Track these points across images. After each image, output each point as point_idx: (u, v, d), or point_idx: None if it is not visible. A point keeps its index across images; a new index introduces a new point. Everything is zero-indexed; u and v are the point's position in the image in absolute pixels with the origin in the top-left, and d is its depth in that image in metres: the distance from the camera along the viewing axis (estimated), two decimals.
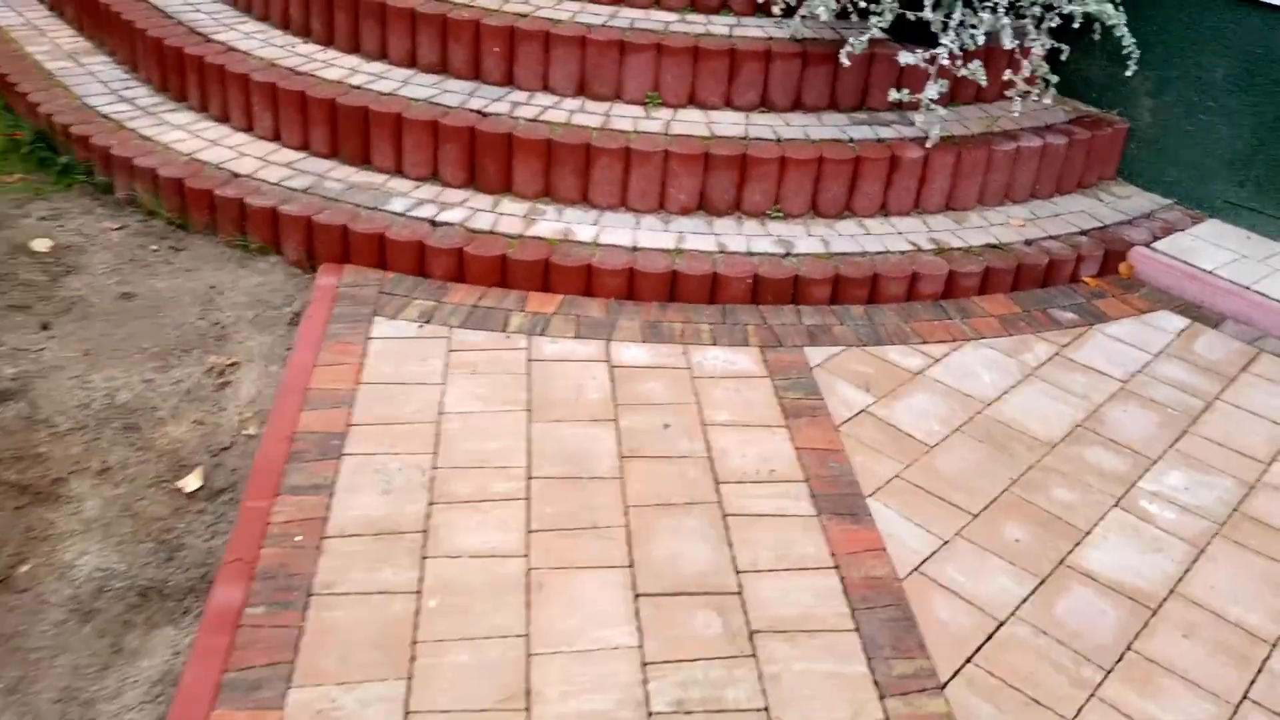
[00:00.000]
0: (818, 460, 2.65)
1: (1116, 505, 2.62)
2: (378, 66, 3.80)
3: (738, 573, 2.29)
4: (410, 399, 2.72)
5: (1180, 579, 2.41)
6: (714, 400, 2.83)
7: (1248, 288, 3.50)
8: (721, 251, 3.33)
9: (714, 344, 3.07)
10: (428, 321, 3.03)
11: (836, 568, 2.33)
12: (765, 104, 3.76)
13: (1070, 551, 2.46)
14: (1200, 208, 3.94)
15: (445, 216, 3.34)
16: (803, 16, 3.62)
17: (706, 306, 3.24)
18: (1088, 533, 2.52)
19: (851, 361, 3.07)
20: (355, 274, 3.22)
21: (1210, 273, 3.57)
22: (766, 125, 3.67)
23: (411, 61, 3.79)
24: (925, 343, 3.21)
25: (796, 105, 3.79)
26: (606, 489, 2.48)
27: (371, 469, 2.48)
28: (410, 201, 3.40)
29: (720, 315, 3.21)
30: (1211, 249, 3.71)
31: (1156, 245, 3.71)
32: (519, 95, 3.67)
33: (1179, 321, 3.46)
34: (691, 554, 2.32)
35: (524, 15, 3.74)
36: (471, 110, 3.54)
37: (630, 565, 2.28)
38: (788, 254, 3.37)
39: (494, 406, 2.72)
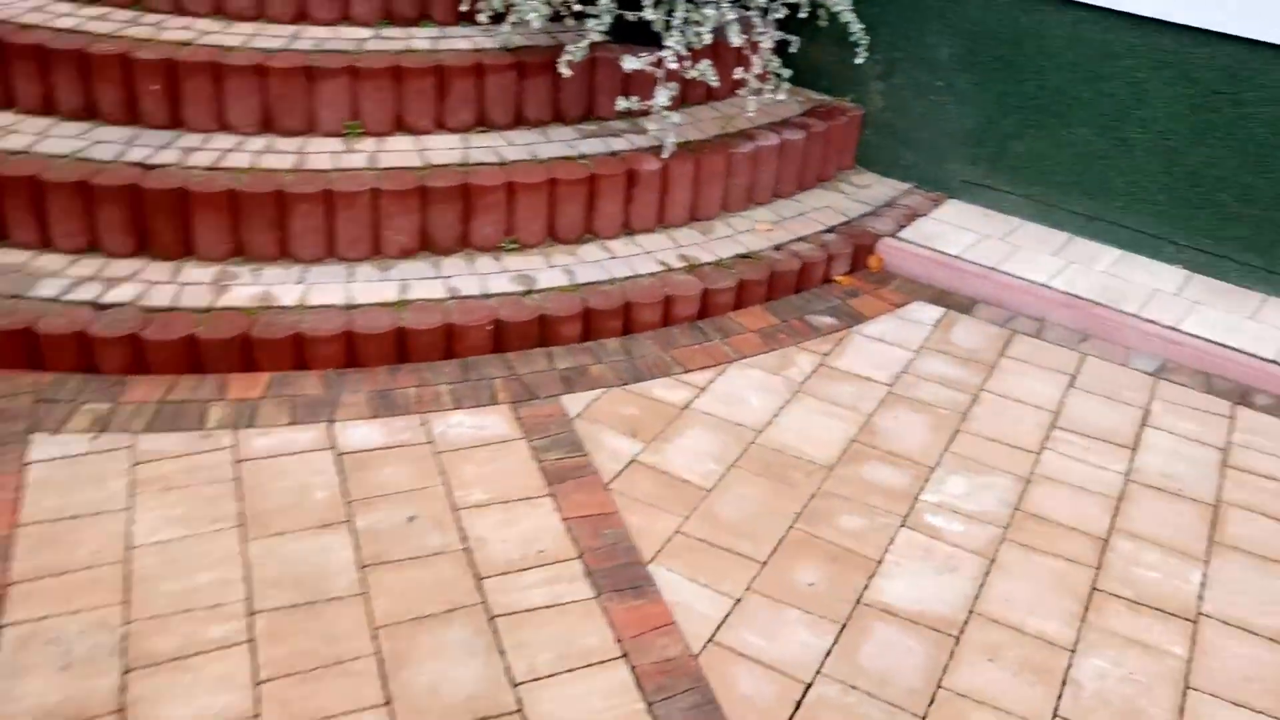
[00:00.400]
0: (590, 530, 2.49)
1: (904, 525, 2.63)
2: (3, 118, 3.30)
3: (515, 685, 2.10)
4: (88, 536, 2.33)
5: (977, 597, 2.44)
6: (464, 477, 2.62)
7: (993, 269, 3.67)
8: (454, 297, 3.12)
9: (457, 407, 2.86)
10: (103, 430, 2.64)
11: (625, 656, 2.18)
12: (483, 123, 3.58)
13: (866, 586, 2.44)
14: (938, 189, 4.11)
15: (113, 296, 2.93)
16: (513, 24, 3.46)
17: (444, 363, 3.02)
18: (880, 562, 2.51)
19: (614, 405, 2.94)
20: (1, 382, 2.76)
21: (957, 257, 3.72)
22: (488, 147, 3.48)
23: (48, 108, 3.32)
24: (688, 371, 3.13)
25: (518, 121, 3.63)
26: (348, 611, 2.22)
27: (42, 640, 2.09)
28: (65, 282, 2.96)
29: (461, 371, 3.00)
30: (955, 232, 3.88)
31: (902, 234, 3.83)
32: (191, 139, 3.30)
33: (934, 312, 3.58)
34: (458, 674, 2.10)
35: (185, 44, 3.36)
36: (133, 163, 3.13)
37: (387, 703, 2.03)
38: (529, 291, 3.20)
39: (198, 528, 2.38)
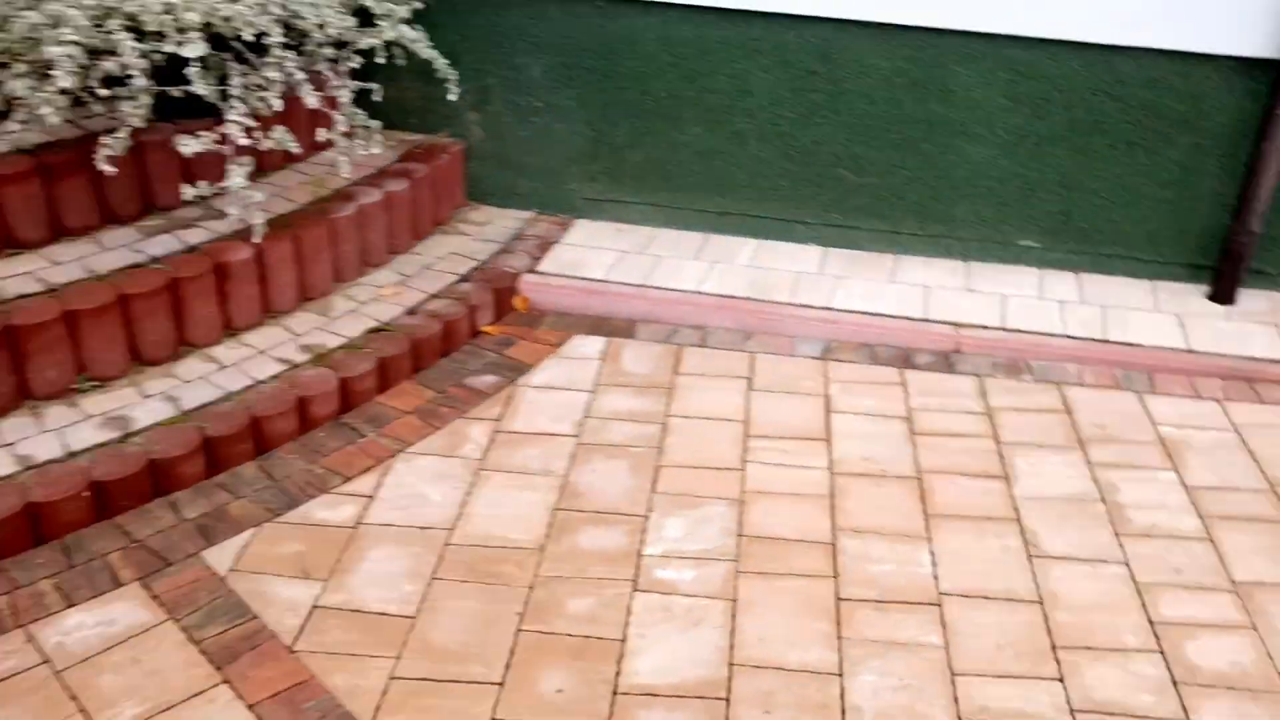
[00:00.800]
0: (288, 709, 2.15)
1: (636, 590, 2.52)
2: None
3: None
4: None
5: (731, 646, 2.37)
6: (105, 694, 2.16)
7: (643, 285, 3.67)
8: (28, 467, 2.61)
9: (70, 605, 2.37)
10: None
11: None
12: (12, 244, 3.04)
13: (619, 672, 2.29)
14: (562, 212, 4.07)
15: None
16: (23, 121, 2.95)
17: (36, 554, 2.51)
18: (624, 640, 2.38)
19: (272, 545, 2.59)
20: None
21: (603, 280, 3.68)
22: (26, 273, 2.96)
23: None
24: (348, 479, 2.84)
25: (59, 234, 3.12)
26: None
27: None
28: None
29: (63, 557, 2.51)
30: (593, 254, 3.84)
31: (541, 267, 3.74)
32: None
33: (596, 343, 3.51)
34: None
35: None
36: None
37: None
38: (127, 435, 2.75)
39: None
